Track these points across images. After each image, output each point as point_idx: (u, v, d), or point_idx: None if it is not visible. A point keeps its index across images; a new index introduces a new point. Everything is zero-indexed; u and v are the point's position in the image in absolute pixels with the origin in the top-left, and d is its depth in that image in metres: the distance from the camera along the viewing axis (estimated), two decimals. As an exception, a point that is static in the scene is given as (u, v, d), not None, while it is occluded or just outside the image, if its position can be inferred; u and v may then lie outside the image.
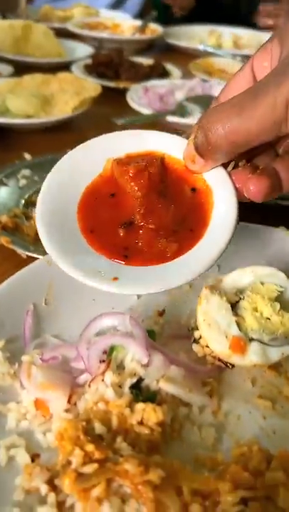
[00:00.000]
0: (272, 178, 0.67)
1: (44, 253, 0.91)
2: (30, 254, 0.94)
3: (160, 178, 0.73)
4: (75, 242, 0.69)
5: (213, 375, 0.71)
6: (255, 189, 0.66)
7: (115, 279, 0.63)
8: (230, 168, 0.70)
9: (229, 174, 0.70)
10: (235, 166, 0.70)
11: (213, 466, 0.61)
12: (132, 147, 0.78)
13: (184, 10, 2.73)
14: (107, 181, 0.76)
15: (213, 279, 0.88)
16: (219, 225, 0.67)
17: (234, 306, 0.73)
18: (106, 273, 0.63)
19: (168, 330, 0.79)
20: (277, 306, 0.71)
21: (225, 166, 0.69)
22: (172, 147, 0.76)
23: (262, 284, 0.75)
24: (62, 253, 0.67)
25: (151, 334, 0.73)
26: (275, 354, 0.68)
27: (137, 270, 0.64)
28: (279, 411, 0.69)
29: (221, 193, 0.70)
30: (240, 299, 0.74)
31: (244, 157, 0.70)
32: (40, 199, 0.74)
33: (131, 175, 0.73)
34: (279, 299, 0.73)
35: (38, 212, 0.74)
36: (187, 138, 0.70)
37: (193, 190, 0.74)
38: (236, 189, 0.69)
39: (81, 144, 0.79)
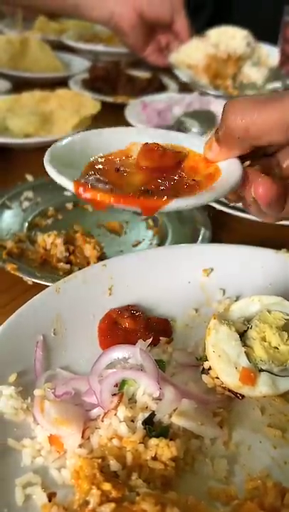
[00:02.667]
0: (282, 189, 0.70)
1: (50, 280, 0.92)
2: (36, 280, 0.95)
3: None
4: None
5: (223, 406, 0.72)
6: (263, 191, 0.68)
7: None
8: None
9: (243, 167, 0.72)
10: None
11: (226, 500, 0.61)
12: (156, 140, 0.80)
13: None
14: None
15: (219, 306, 0.89)
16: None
17: (242, 336, 0.74)
18: None
19: (176, 358, 0.80)
20: (285, 335, 0.72)
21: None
22: (194, 145, 0.79)
23: (269, 312, 0.76)
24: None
25: (161, 365, 0.74)
26: (284, 385, 0.69)
27: None
28: (289, 440, 0.70)
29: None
30: (248, 328, 0.75)
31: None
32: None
33: (151, 150, 0.75)
34: (286, 327, 0.75)
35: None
36: None
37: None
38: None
39: (94, 130, 0.82)
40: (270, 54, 2.19)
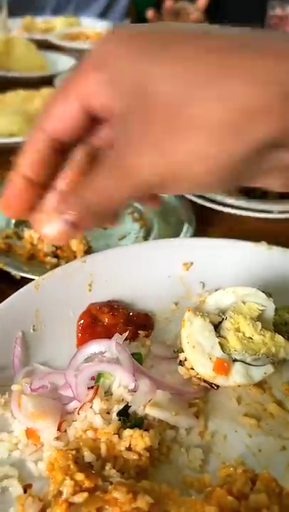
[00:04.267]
0: None
1: (38, 273, 0.93)
2: (24, 275, 0.96)
3: None
4: None
5: (199, 396, 0.73)
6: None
7: None
8: None
9: None
10: None
11: (200, 488, 0.63)
12: None
13: None
14: None
15: (199, 299, 0.90)
16: None
17: (217, 327, 0.75)
18: None
19: (154, 351, 0.81)
20: (259, 325, 0.73)
21: None
22: None
23: (243, 303, 0.77)
24: None
25: (138, 357, 0.75)
26: (257, 374, 0.70)
27: None
28: (264, 428, 0.71)
29: None
30: (223, 319, 0.76)
31: None
32: None
33: None
34: (260, 318, 0.75)
35: None
36: None
37: None
38: None
39: None
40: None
